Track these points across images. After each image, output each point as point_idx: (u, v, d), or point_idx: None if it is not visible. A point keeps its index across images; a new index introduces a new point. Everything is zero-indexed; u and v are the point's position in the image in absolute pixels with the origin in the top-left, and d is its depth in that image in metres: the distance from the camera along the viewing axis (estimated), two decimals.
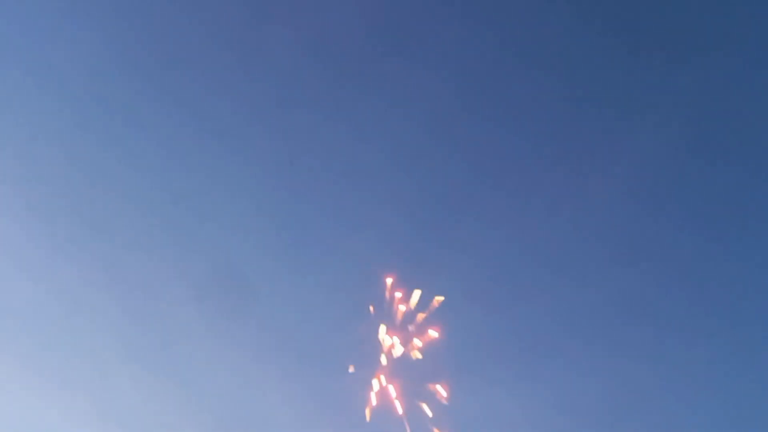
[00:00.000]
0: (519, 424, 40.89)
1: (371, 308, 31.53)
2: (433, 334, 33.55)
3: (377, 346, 31.57)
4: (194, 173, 39.97)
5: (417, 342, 33.38)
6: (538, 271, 40.98)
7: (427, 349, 33.60)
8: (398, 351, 32.49)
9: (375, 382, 31.92)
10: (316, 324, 38.84)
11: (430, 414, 33.56)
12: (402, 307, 32.11)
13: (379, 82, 40.22)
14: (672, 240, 40.97)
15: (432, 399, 34.49)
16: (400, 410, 31.91)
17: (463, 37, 39.54)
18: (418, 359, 32.27)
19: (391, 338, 32.45)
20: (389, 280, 32.68)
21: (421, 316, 32.67)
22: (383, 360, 31.53)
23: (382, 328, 31.18)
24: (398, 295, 32.47)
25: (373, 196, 40.70)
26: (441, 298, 32.22)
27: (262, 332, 39.11)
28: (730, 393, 40.08)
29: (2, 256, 37.29)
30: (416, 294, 32.02)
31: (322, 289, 38.26)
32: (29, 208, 37.68)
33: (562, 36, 39.76)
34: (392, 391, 32.36)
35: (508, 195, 40.94)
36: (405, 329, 32.25)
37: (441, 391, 33.53)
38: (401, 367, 33.30)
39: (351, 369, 31.92)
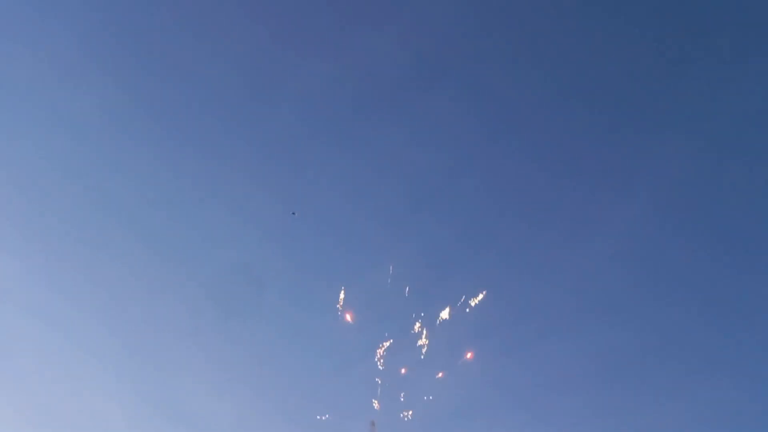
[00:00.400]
0: None
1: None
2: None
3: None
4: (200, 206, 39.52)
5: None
6: (548, 322, 39.37)
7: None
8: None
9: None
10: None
11: None
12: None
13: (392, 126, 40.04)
14: (679, 297, 39.00)
15: None
16: None
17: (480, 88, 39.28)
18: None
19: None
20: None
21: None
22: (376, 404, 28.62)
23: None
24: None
25: (384, 233, 39.68)
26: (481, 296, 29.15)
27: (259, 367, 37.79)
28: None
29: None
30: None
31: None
32: (26, 216, 37.73)
33: (578, 84, 39.15)
34: None
35: (507, 253, 39.82)
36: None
37: None
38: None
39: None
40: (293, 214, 33.30)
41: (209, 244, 36.81)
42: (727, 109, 35.46)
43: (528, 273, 38.02)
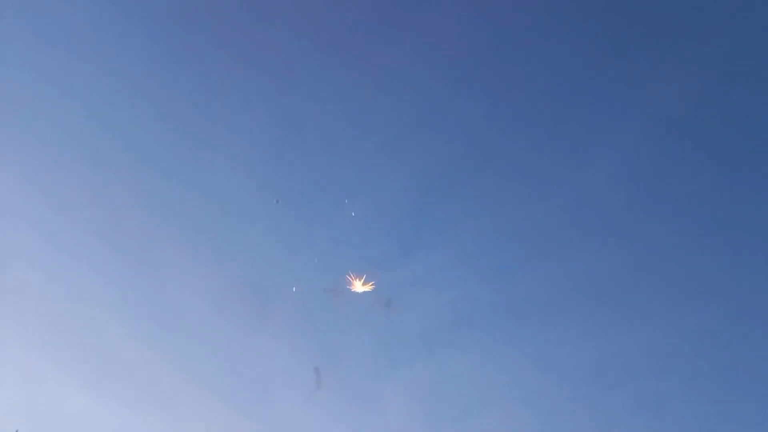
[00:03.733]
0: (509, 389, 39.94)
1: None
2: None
3: None
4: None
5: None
6: (534, 246, 39.88)
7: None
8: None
9: None
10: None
11: None
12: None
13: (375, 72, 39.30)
14: (663, 217, 39.03)
15: None
16: None
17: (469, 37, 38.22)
18: None
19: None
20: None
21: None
22: None
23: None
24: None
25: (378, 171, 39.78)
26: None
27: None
28: (720, 363, 38.20)
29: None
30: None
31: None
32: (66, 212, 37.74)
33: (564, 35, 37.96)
34: None
35: (507, 173, 39.80)
36: None
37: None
38: None
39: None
40: (277, 201, 34.00)
41: (206, 160, 37.03)
42: (730, 33, 34.52)
43: (526, 193, 38.21)
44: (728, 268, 36.52)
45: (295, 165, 37.59)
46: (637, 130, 36.37)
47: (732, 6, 34.55)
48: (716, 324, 36.20)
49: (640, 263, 37.60)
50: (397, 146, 37.64)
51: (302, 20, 36.50)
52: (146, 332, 37.25)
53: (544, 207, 37.42)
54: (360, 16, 37.50)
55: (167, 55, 36.70)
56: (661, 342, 36.61)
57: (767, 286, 35.68)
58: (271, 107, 36.93)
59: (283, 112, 36.78)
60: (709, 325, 36.28)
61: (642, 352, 37.07)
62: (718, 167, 36.64)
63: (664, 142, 36.54)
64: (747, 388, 36.45)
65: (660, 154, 36.72)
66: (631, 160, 36.88)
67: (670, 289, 37.12)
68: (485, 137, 37.84)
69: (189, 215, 37.30)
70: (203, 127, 37.05)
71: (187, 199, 37.43)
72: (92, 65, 35.86)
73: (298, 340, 37.24)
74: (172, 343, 37.73)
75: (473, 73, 37.49)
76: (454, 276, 37.22)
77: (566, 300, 37.80)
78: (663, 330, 36.68)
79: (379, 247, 36.87)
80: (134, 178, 36.68)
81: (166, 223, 37.06)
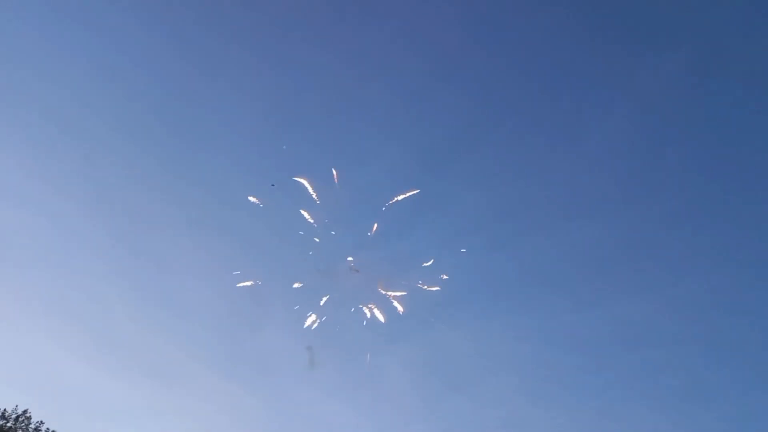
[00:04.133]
0: (515, 356, 41.55)
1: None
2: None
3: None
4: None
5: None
6: (541, 210, 40.86)
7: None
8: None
9: None
10: None
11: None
12: None
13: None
14: (674, 180, 40.20)
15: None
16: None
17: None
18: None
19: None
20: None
21: None
22: None
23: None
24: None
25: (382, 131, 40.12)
26: None
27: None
28: (725, 325, 40.29)
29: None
30: None
31: None
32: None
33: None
34: None
35: (514, 134, 40.45)
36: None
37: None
38: None
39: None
40: (272, 185, 34.91)
41: (205, 151, 37.26)
42: (704, 33, 35.37)
43: (518, 173, 39.36)
44: (711, 243, 38.29)
45: (290, 154, 38.13)
46: (623, 117, 37.44)
47: (708, 9, 35.40)
48: (700, 297, 38.05)
49: (628, 239, 39.15)
50: (391, 130, 38.27)
51: (299, 15, 36.59)
52: (151, 314, 38.14)
53: (532, 186, 38.61)
54: (351, 6, 37.61)
55: (170, 55, 36.41)
56: (649, 314, 38.41)
57: (748, 262, 37.53)
58: (266, 100, 37.16)
59: (279, 103, 37.04)
60: (694, 299, 38.15)
61: (631, 324, 38.89)
62: (698, 150, 37.94)
63: (649, 128, 37.68)
64: (730, 357, 38.55)
65: (644, 140, 37.90)
66: (617, 143, 38.01)
67: (657, 264, 38.78)
68: (477, 122, 38.70)
69: (191, 203, 37.83)
70: (203, 122, 37.11)
71: (190, 189, 37.88)
72: (95, 63, 35.69)
73: (298, 319, 38.48)
74: (175, 324, 38.72)
75: (463, 56, 37.97)
76: (449, 252, 38.54)
77: (555, 275, 39.41)
78: (651, 303, 38.45)
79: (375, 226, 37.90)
80: (128, 157, 36.68)
81: (170, 211, 37.62)
